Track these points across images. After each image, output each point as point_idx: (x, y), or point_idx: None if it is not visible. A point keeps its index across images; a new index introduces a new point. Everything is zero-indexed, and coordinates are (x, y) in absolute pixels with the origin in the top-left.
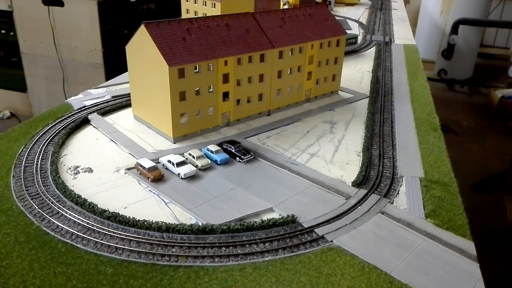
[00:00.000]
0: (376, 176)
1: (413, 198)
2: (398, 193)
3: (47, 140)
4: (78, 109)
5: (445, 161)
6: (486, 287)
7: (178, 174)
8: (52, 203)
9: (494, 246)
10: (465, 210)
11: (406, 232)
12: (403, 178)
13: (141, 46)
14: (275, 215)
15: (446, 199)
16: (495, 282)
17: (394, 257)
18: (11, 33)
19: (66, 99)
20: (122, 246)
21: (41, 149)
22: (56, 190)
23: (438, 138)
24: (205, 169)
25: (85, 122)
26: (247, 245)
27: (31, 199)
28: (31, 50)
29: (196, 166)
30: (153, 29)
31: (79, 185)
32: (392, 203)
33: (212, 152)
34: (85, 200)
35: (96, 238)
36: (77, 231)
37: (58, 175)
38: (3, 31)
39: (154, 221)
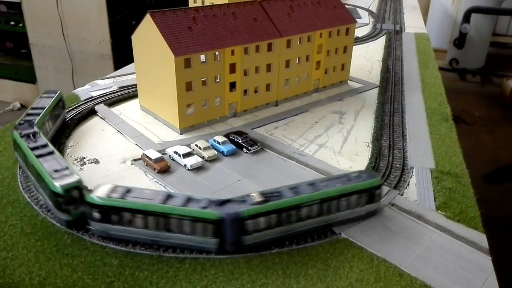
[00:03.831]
0: (385, 167)
1: (423, 190)
2: (408, 185)
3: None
4: (85, 100)
5: (456, 152)
6: (498, 280)
7: (185, 165)
8: None
9: (507, 239)
10: (477, 201)
11: (416, 224)
12: (414, 169)
13: (147, 36)
14: None
15: (458, 190)
16: (508, 276)
17: (404, 250)
18: (20, 25)
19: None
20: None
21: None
22: None
23: (449, 128)
24: (212, 160)
25: (92, 113)
26: None
27: (37, 191)
28: (40, 41)
29: (203, 157)
30: (158, 18)
31: (86, 176)
32: (402, 194)
33: (218, 143)
34: (91, 191)
35: None
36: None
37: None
38: (12, 23)
39: None
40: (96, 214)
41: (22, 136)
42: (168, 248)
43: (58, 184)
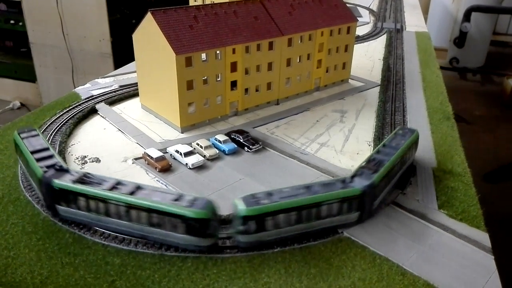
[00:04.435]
0: None
1: (425, 189)
2: (410, 183)
3: (54, 130)
4: (86, 98)
5: (458, 150)
6: (501, 279)
7: (186, 164)
8: None
9: (509, 238)
10: (479, 200)
11: (419, 223)
12: (415, 168)
13: (148, 34)
14: None
15: (460, 189)
16: (510, 275)
17: (406, 249)
18: (20, 23)
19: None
20: (129, 237)
21: (48, 139)
22: None
23: (451, 127)
24: (213, 159)
25: (93, 111)
26: None
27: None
28: (40, 40)
29: (204, 156)
30: (159, 17)
31: None
32: (404, 193)
33: (220, 142)
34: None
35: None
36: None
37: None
38: (12, 22)
39: None
40: (253, 225)
41: (76, 182)
42: (171, 246)
43: (199, 211)
